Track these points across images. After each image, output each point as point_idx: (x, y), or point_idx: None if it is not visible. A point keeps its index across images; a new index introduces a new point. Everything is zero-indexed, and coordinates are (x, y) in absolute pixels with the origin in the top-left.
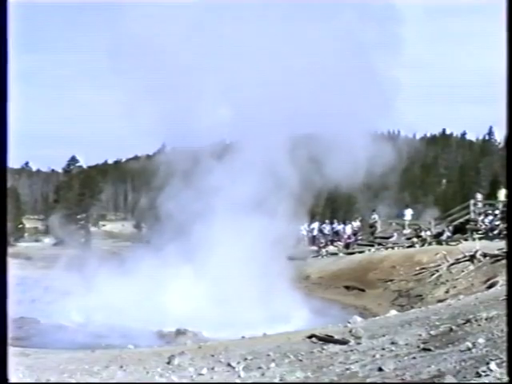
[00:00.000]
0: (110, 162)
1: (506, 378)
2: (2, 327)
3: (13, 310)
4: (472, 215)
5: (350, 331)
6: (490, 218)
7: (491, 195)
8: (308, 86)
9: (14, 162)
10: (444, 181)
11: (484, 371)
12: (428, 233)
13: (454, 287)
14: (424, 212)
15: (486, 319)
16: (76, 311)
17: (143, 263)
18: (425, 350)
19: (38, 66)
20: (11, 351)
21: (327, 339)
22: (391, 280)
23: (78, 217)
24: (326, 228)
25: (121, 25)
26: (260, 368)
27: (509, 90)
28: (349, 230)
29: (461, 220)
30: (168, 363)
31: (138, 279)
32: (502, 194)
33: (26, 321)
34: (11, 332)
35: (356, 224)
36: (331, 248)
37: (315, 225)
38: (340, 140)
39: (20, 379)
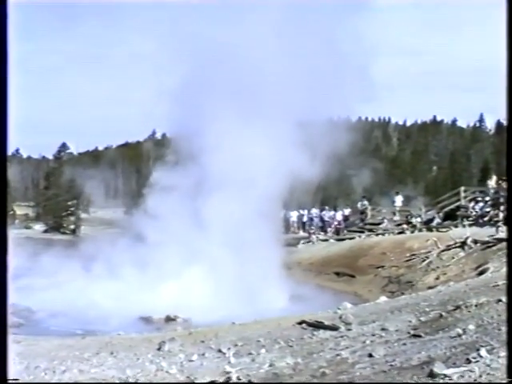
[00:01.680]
0: (101, 148)
1: (495, 364)
2: (2, 327)
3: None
4: (462, 202)
5: (340, 317)
6: (481, 204)
7: (482, 182)
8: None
9: None
10: (435, 167)
11: (474, 357)
12: (418, 219)
13: (445, 274)
14: (414, 198)
15: (476, 306)
16: (64, 298)
17: (132, 249)
18: (415, 336)
19: (27, 54)
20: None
21: (317, 325)
22: (382, 266)
23: (69, 203)
24: (317, 214)
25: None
26: (250, 354)
27: (509, 90)
28: (339, 216)
29: (451, 206)
30: (158, 349)
31: (127, 266)
32: (492, 180)
33: (17, 308)
34: None
35: (346, 210)
36: (321, 234)
37: (305, 211)
38: (326, 126)
39: (11, 366)
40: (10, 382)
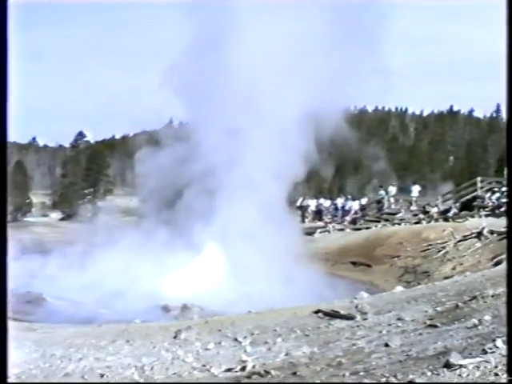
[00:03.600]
0: (118, 137)
1: None
2: (2, 328)
3: (18, 284)
4: (479, 192)
5: (357, 307)
6: (497, 195)
7: (498, 172)
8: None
9: (21, 137)
10: (451, 158)
11: (490, 348)
12: (435, 209)
13: (461, 264)
14: (431, 188)
15: (492, 296)
16: (81, 286)
17: (149, 238)
18: (431, 326)
19: (45, 41)
20: (18, 325)
21: (333, 314)
22: (398, 256)
23: (85, 191)
24: (333, 203)
25: None
26: (266, 343)
27: (509, 90)
28: (356, 205)
29: (468, 197)
30: (175, 338)
31: (143, 254)
32: None
33: (33, 295)
34: (17, 306)
35: (363, 200)
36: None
37: (322, 200)
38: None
39: (26, 354)
40: (10, 382)
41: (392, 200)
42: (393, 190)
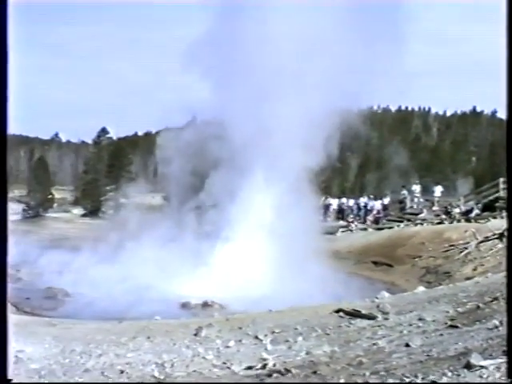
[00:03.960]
0: (140, 133)
1: None
2: (2, 328)
3: (40, 280)
4: (501, 193)
5: (378, 306)
6: (507, 195)
7: None
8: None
9: (43, 132)
10: (474, 158)
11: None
12: (457, 210)
13: (482, 265)
14: (453, 189)
15: None
16: (102, 282)
17: (171, 236)
18: (452, 326)
19: (69, 38)
20: (38, 321)
21: (354, 314)
22: (419, 256)
23: (107, 188)
24: (356, 203)
25: None
26: (287, 341)
27: (509, 91)
28: (378, 205)
29: (490, 198)
30: (195, 335)
31: (165, 251)
32: None
33: (54, 291)
34: (40, 302)
35: (386, 199)
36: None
37: (344, 200)
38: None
39: (46, 349)
40: (10, 382)
41: (416, 199)
42: (417, 188)
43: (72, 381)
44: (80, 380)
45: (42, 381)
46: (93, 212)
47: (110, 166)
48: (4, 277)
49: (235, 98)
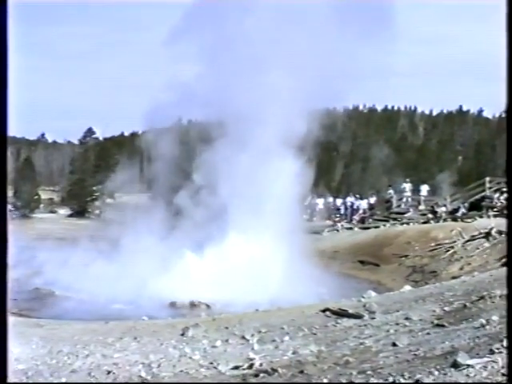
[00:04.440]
0: (127, 134)
1: None
2: (2, 328)
3: (26, 281)
4: (487, 192)
5: (364, 306)
6: (506, 195)
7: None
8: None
9: (30, 133)
10: (460, 157)
11: (498, 348)
12: (443, 209)
13: (469, 264)
14: (440, 188)
15: (500, 296)
16: (89, 282)
17: (158, 235)
18: (439, 326)
19: (55, 39)
20: (25, 322)
21: (341, 313)
22: (406, 255)
23: (94, 188)
24: (342, 202)
25: None
26: (274, 341)
27: (509, 91)
28: (364, 204)
29: (476, 197)
30: (182, 335)
31: (153, 250)
32: None
33: (40, 292)
34: (26, 302)
35: (372, 199)
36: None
37: (330, 199)
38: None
39: (33, 350)
40: (10, 382)
41: (405, 199)
42: (407, 187)
43: (57, 381)
44: (67, 380)
45: (29, 382)
46: (79, 212)
47: (96, 166)
48: (4, 278)
49: (225, 73)
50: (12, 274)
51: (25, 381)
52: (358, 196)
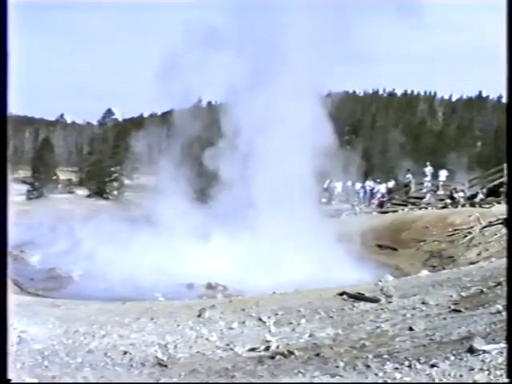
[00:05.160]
0: (146, 115)
1: None
2: (2, 328)
3: (43, 261)
4: (506, 178)
5: (382, 290)
6: None
7: None
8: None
9: (49, 113)
10: (479, 143)
11: None
12: (461, 194)
13: (487, 250)
14: (458, 174)
15: None
16: (106, 264)
17: (175, 217)
18: (455, 311)
19: (74, 19)
20: (41, 301)
21: (358, 297)
22: (424, 240)
23: (112, 169)
24: (361, 186)
25: None
26: (290, 323)
27: (509, 91)
28: (383, 188)
29: (495, 183)
30: (199, 316)
31: (172, 232)
32: None
33: (57, 272)
34: (43, 282)
35: (390, 183)
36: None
37: (349, 183)
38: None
39: (50, 330)
40: (10, 382)
41: (426, 183)
42: (427, 170)
43: (73, 361)
44: (82, 360)
45: (45, 362)
46: (97, 193)
47: (114, 147)
48: (4, 275)
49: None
50: (30, 255)
51: (40, 360)
52: (378, 180)
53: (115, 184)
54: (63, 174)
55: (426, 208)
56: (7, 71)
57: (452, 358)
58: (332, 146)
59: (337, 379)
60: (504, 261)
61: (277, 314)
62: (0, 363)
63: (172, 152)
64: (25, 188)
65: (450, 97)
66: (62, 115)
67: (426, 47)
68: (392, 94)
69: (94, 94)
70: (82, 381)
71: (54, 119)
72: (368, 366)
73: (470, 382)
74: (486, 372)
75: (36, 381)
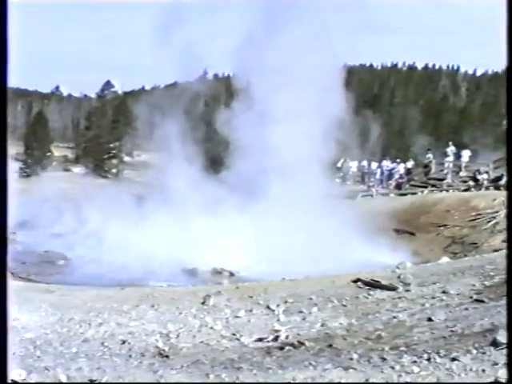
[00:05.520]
0: (148, 88)
1: None
2: (3, 328)
3: (37, 244)
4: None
5: (399, 277)
6: None
7: None
8: None
9: (43, 85)
10: (505, 122)
11: None
12: (485, 176)
13: None
14: (482, 154)
15: None
16: (105, 247)
17: (180, 197)
18: (478, 301)
19: None
20: (34, 287)
21: (374, 284)
22: (445, 225)
23: (111, 145)
24: (377, 166)
25: None
26: (301, 312)
27: (509, 91)
28: (401, 169)
29: None
30: (203, 303)
31: (174, 214)
32: None
33: (51, 255)
34: (36, 266)
35: (409, 163)
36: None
37: (365, 163)
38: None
39: (42, 317)
40: (10, 382)
41: (447, 164)
42: (450, 150)
43: (68, 351)
44: (77, 350)
45: (37, 352)
46: (95, 171)
47: (114, 121)
48: (4, 272)
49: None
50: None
51: (31, 350)
52: (398, 160)
53: (114, 161)
54: (58, 151)
55: (448, 190)
56: (7, 72)
57: (474, 351)
58: (347, 118)
59: (350, 372)
60: None
61: (286, 302)
62: (0, 364)
63: (179, 122)
64: (17, 165)
65: (475, 71)
66: (57, 87)
67: (449, 18)
68: (412, 68)
69: (92, 64)
70: (76, 373)
71: (48, 91)
72: (384, 359)
73: (470, 382)
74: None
75: (25, 372)
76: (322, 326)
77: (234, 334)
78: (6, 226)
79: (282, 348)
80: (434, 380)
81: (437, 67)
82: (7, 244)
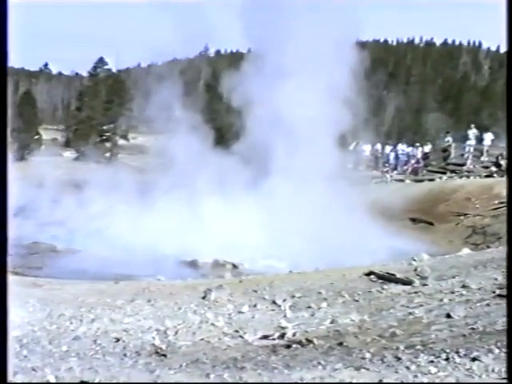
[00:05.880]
0: (144, 65)
1: None
2: (3, 328)
3: (26, 235)
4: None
5: (415, 270)
6: None
7: None
8: None
9: (31, 63)
10: None
11: None
12: None
13: None
14: (506, 137)
15: None
16: (98, 236)
17: (175, 183)
18: (500, 296)
19: None
20: (21, 280)
21: (388, 278)
22: (465, 214)
23: (104, 128)
24: (392, 150)
25: None
26: (309, 308)
27: (509, 90)
28: (418, 153)
29: None
30: (203, 298)
31: (169, 201)
32: None
33: (40, 247)
34: (23, 258)
35: (427, 147)
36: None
37: (379, 146)
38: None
39: (30, 313)
40: (10, 382)
41: (468, 148)
42: (471, 133)
43: (57, 350)
44: (68, 349)
45: (23, 351)
46: (87, 155)
47: (107, 102)
48: (4, 271)
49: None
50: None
51: (17, 349)
52: (417, 144)
53: (107, 145)
54: (47, 133)
55: (468, 176)
56: (7, 72)
57: (496, 350)
58: (359, 97)
59: (362, 373)
60: None
61: (293, 297)
62: (0, 364)
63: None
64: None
65: (498, 48)
66: (46, 65)
67: None
68: (430, 44)
69: (83, 40)
70: (66, 373)
71: (36, 69)
72: (398, 359)
73: (470, 381)
74: None
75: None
76: (332, 322)
77: (236, 331)
78: (6, 227)
79: (288, 346)
80: (453, 381)
81: (457, 43)
82: (7, 244)
